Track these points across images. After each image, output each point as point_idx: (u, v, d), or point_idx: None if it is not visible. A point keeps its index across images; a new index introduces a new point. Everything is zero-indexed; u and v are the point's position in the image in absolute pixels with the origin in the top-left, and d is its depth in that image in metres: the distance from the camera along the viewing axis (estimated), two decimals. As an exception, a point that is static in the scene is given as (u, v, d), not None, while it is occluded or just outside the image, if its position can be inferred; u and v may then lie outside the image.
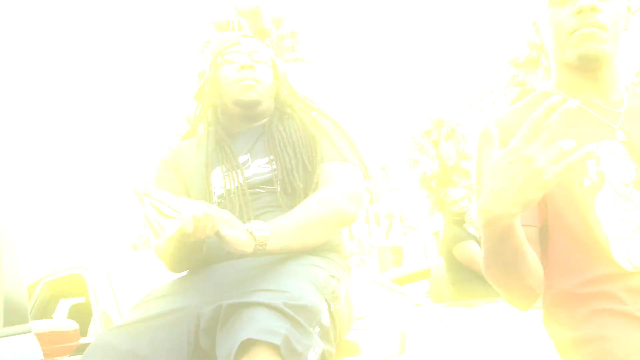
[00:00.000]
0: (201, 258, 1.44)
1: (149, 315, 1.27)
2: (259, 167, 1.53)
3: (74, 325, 1.95)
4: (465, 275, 3.78)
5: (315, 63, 16.71)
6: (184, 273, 1.51)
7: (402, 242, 9.05)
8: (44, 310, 2.77)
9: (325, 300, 1.27)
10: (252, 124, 1.61)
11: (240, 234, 1.26)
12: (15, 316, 1.66)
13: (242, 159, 1.55)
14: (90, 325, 2.18)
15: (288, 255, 1.37)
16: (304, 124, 1.58)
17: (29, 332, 1.68)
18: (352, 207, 1.45)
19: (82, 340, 1.98)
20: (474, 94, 28.21)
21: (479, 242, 3.80)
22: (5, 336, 1.62)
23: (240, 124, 1.62)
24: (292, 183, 1.49)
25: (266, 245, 1.27)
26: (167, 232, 1.13)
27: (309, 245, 1.38)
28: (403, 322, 1.85)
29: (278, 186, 1.49)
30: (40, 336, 1.71)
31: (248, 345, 1.08)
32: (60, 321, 1.99)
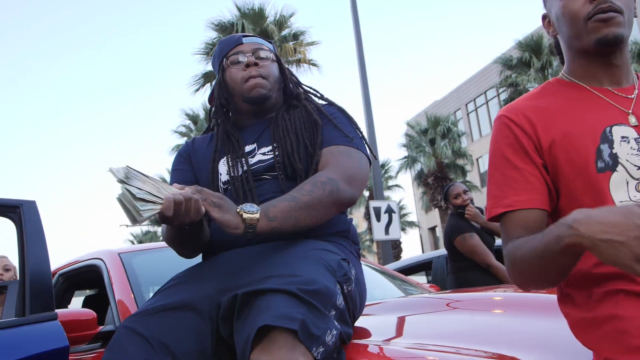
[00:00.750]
0: (206, 242, 1.48)
1: (171, 304, 1.28)
2: (264, 155, 1.56)
3: (92, 314, 1.97)
4: (465, 265, 3.85)
5: (319, 65, 16.66)
6: (198, 260, 1.55)
7: (400, 236, 9.12)
8: (60, 302, 2.76)
9: (338, 282, 1.28)
10: (262, 118, 1.66)
11: (230, 217, 1.27)
12: (41, 303, 1.69)
13: (248, 148, 1.59)
14: (107, 315, 2.21)
15: (297, 241, 1.39)
16: (309, 111, 1.62)
17: (55, 319, 1.71)
18: (349, 189, 1.44)
19: (100, 329, 2.03)
20: (468, 95, 28.34)
21: (479, 234, 3.87)
22: (33, 323, 1.65)
23: (250, 118, 1.67)
24: (292, 166, 1.51)
25: (256, 227, 1.28)
26: (145, 216, 1.17)
27: (302, 227, 1.37)
28: (407, 308, 1.88)
29: (281, 172, 1.51)
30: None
31: (265, 331, 1.08)
32: (80, 310, 2.01)
